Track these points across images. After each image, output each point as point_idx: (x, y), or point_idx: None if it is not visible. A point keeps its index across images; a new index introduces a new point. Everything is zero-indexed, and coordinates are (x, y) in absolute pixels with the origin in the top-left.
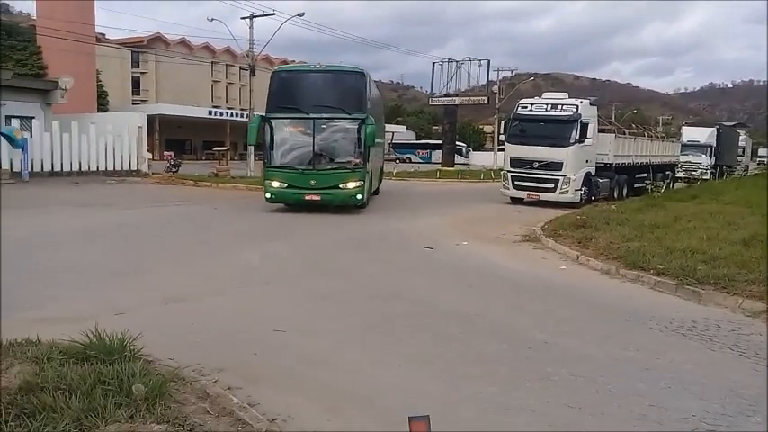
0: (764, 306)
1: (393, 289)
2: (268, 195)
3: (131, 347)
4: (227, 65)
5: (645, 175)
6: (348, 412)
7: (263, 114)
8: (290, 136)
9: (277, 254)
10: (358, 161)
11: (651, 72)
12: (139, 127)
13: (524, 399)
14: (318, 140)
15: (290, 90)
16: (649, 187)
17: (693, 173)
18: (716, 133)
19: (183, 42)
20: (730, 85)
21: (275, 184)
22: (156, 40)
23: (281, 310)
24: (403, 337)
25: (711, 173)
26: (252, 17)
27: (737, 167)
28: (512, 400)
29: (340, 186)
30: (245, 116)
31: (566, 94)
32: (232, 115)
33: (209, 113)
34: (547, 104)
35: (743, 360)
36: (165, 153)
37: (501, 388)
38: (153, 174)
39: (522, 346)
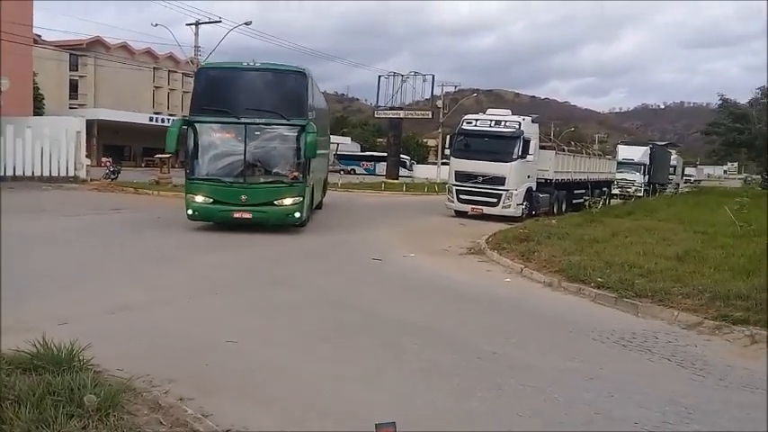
0: (698, 319)
1: (343, 299)
2: (190, 212)
3: (80, 358)
4: (169, 71)
5: (583, 191)
6: (306, 423)
7: (186, 117)
8: (217, 143)
9: (223, 263)
10: (297, 174)
11: (588, 91)
12: (78, 132)
13: (478, 408)
14: (251, 149)
15: (219, 90)
16: (587, 203)
17: (628, 190)
18: (649, 152)
19: (125, 46)
20: (662, 106)
21: (199, 198)
22: (96, 43)
23: (230, 320)
24: (356, 347)
25: (645, 190)
26: (197, 24)
27: (669, 185)
28: (466, 410)
29: (275, 203)
30: None
31: (509, 111)
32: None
33: (151, 119)
34: (491, 120)
35: (680, 370)
36: (103, 159)
37: (455, 398)
38: (91, 180)
39: (472, 357)
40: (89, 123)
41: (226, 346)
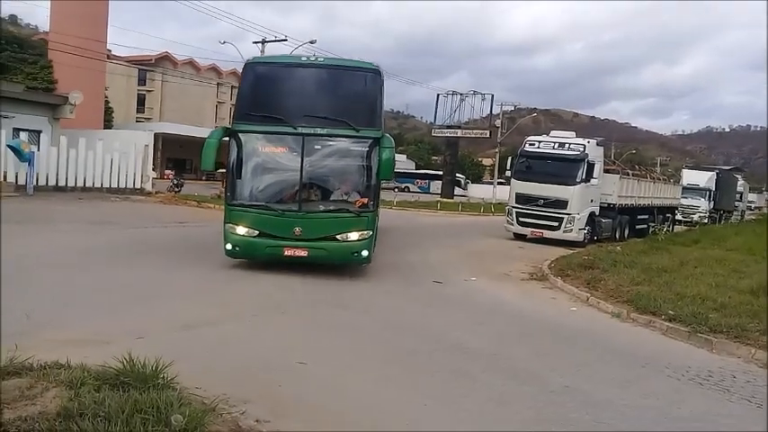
0: None
1: (406, 323)
2: (228, 247)
3: (164, 375)
4: (232, 86)
5: (646, 216)
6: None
7: (228, 126)
8: (265, 159)
9: (286, 283)
10: (365, 200)
11: (649, 113)
12: (146, 145)
13: None
14: (309, 167)
15: (270, 91)
16: (652, 229)
17: (692, 216)
18: (715, 177)
19: (191, 62)
20: (727, 130)
21: (240, 230)
22: (164, 59)
23: (297, 340)
24: (423, 373)
25: (710, 217)
26: (264, 42)
27: (735, 212)
28: None
29: (338, 237)
30: None
31: (573, 133)
32: None
33: None
34: (554, 142)
35: (761, 412)
36: (167, 171)
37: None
38: (156, 193)
39: (544, 389)
40: (155, 137)
41: (297, 367)
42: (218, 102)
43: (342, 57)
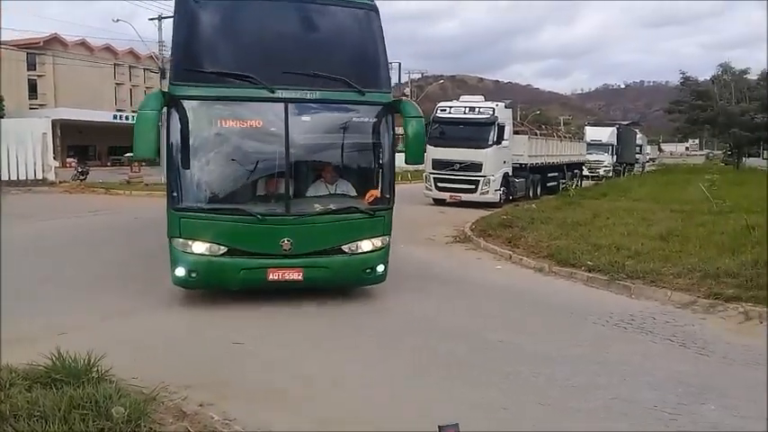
0: (692, 298)
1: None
2: (180, 272)
3: (98, 368)
4: (130, 66)
5: (556, 173)
6: (338, 426)
7: (165, 90)
8: (230, 138)
9: None
10: (379, 193)
11: (550, 74)
12: (44, 133)
13: (496, 398)
14: (297, 149)
15: (227, 33)
16: (563, 186)
17: (598, 171)
18: (616, 132)
19: (83, 43)
20: (623, 86)
21: (198, 247)
22: (54, 41)
23: (228, 320)
24: (355, 336)
25: (615, 170)
26: (160, 18)
27: (636, 164)
28: (485, 400)
29: (344, 249)
30: None
31: (481, 97)
32: None
33: (114, 117)
34: (465, 107)
35: (684, 350)
36: (68, 159)
37: (469, 387)
38: (60, 182)
39: (479, 346)
40: (52, 124)
41: (234, 347)
42: (117, 83)
43: None
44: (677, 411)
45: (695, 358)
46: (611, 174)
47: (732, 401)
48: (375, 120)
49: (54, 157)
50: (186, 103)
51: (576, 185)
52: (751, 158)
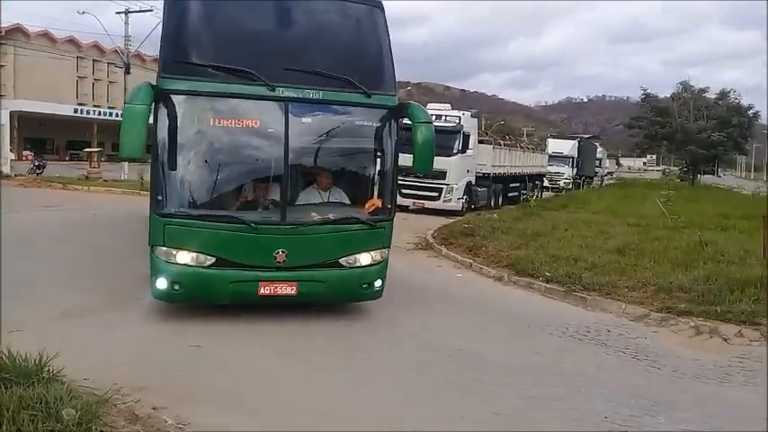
0: (645, 311)
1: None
2: (161, 285)
3: (50, 368)
4: (94, 60)
5: (518, 184)
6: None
7: (155, 84)
8: (223, 138)
9: None
10: (380, 203)
11: (516, 85)
12: (2, 125)
13: (456, 407)
14: (296, 154)
15: (222, 24)
16: (524, 196)
17: (558, 183)
18: (577, 145)
19: (46, 35)
20: (585, 100)
21: (183, 257)
22: (15, 31)
23: (185, 321)
24: (318, 347)
25: (574, 182)
26: (127, 12)
27: (595, 177)
28: (445, 409)
29: (342, 262)
30: (114, 115)
31: (448, 106)
32: (100, 113)
33: (75, 111)
34: (432, 115)
35: (636, 363)
36: (25, 152)
37: (431, 395)
38: (16, 175)
39: (440, 354)
40: (10, 115)
41: (190, 350)
42: (79, 77)
43: None
44: (628, 423)
45: (647, 371)
46: (570, 186)
47: (682, 415)
48: (379, 124)
49: (10, 150)
50: (176, 98)
51: (537, 196)
52: (706, 175)
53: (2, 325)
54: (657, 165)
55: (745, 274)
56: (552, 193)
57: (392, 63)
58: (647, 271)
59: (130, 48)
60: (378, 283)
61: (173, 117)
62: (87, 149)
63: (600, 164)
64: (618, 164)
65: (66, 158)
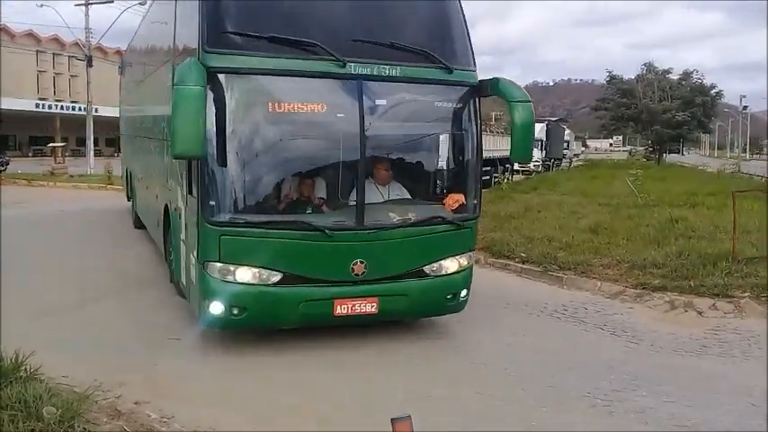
0: (620, 288)
1: None
2: (217, 310)
3: (27, 367)
4: (54, 54)
5: (489, 168)
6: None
7: (201, 60)
8: (287, 127)
9: (143, 253)
10: (464, 199)
11: (484, 70)
12: None
13: (438, 389)
14: (373, 142)
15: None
16: (496, 180)
17: (528, 166)
18: (546, 128)
19: (4, 29)
20: (551, 84)
21: (243, 274)
22: None
23: (162, 315)
24: (312, 343)
25: (544, 165)
26: (87, 4)
27: (564, 160)
28: (427, 391)
29: (426, 270)
30: (77, 109)
31: None
32: (62, 108)
33: (37, 106)
34: None
35: (614, 339)
36: None
37: (412, 377)
38: None
39: (421, 337)
40: None
41: (169, 343)
42: (40, 71)
43: None
44: (610, 398)
45: (625, 347)
46: (540, 168)
47: (662, 388)
48: (461, 105)
49: None
50: (225, 79)
51: (508, 180)
52: (671, 154)
53: None
54: (624, 145)
55: (716, 248)
56: (523, 176)
57: (469, 34)
58: (621, 249)
59: (92, 40)
60: (464, 292)
61: (221, 102)
62: (51, 144)
63: (568, 146)
64: (585, 146)
65: (30, 154)
